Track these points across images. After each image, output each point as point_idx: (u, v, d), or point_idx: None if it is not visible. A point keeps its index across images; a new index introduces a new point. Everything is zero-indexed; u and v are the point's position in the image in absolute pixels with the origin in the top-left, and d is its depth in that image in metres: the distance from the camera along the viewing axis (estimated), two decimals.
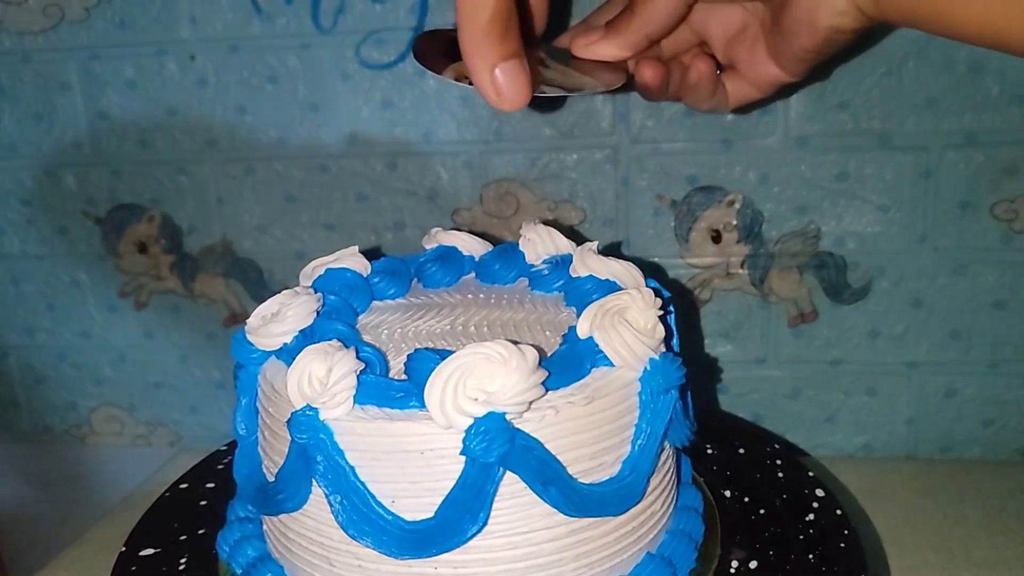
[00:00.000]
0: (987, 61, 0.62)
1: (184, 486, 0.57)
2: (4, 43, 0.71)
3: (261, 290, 0.74)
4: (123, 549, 0.50)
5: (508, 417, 0.38)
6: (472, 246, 0.56)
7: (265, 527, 0.47)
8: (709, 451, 0.57)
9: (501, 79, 0.38)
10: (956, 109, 0.63)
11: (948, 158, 0.64)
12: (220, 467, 0.58)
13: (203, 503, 0.54)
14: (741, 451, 0.58)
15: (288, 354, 0.43)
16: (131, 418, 0.80)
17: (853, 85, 0.64)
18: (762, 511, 0.51)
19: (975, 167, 0.64)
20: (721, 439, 0.58)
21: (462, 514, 0.38)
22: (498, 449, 0.37)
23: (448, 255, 0.54)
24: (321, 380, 0.39)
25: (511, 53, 0.38)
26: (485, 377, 0.37)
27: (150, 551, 0.50)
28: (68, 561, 0.63)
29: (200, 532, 0.51)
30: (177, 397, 0.79)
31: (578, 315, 0.46)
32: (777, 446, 0.58)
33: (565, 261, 0.52)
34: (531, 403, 0.38)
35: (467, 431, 0.37)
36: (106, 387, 0.80)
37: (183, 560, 0.49)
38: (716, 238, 0.68)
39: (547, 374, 0.39)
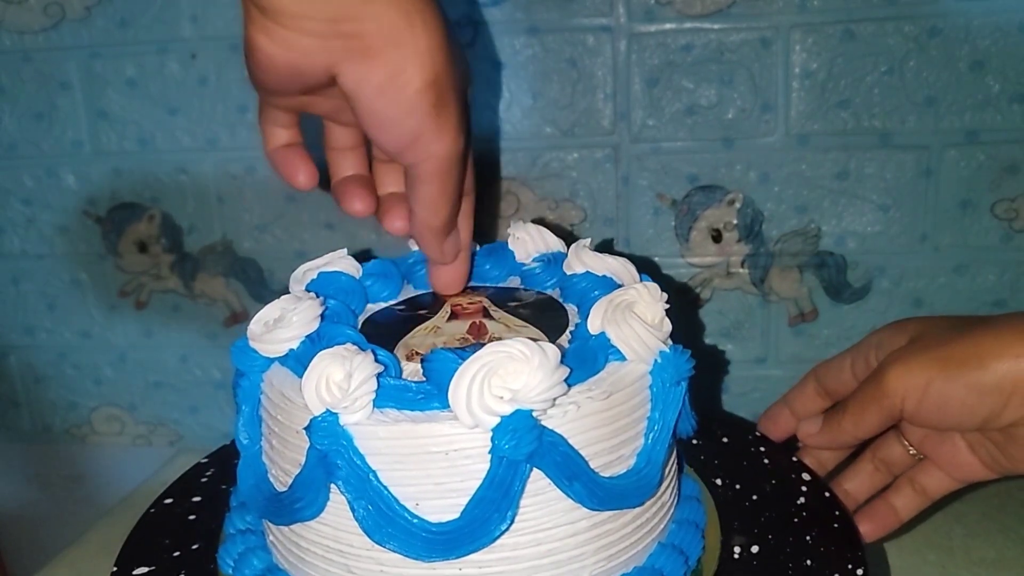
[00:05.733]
0: (988, 59, 0.62)
1: (168, 501, 0.55)
2: (4, 42, 0.71)
3: (261, 290, 0.74)
4: (114, 569, 0.49)
5: (534, 414, 0.38)
6: None
7: (271, 538, 0.46)
8: (695, 442, 0.57)
9: (446, 247, 0.48)
10: (957, 108, 0.63)
11: (949, 157, 0.64)
12: (204, 480, 0.57)
13: (192, 517, 0.53)
14: (725, 440, 0.58)
15: (295, 360, 0.43)
16: (131, 418, 0.80)
17: (854, 84, 0.64)
18: (755, 497, 0.52)
19: (976, 166, 0.64)
20: (704, 429, 0.59)
21: (490, 513, 0.38)
22: (527, 447, 0.37)
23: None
24: (340, 385, 0.38)
25: (450, 232, 0.48)
26: (509, 375, 0.37)
27: (143, 569, 0.48)
28: (68, 561, 0.63)
29: (194, 547, 0.50)
30: (177, 397, 0.79)
31: (580, 312, 0.46)
32: (758, 434, 0.59)
33: (556, 259, 0.52)
34: (554, 400, 0.38)
35: (495, 430, 0.37)
36: (106, 387, 0.80)
37: None
38: (716, 237, 0.68)
39: (569, 371, 0.39)
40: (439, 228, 0.46)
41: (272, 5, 0.36)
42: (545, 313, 0.48)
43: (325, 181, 0.50)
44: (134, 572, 0.48)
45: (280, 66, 0.39)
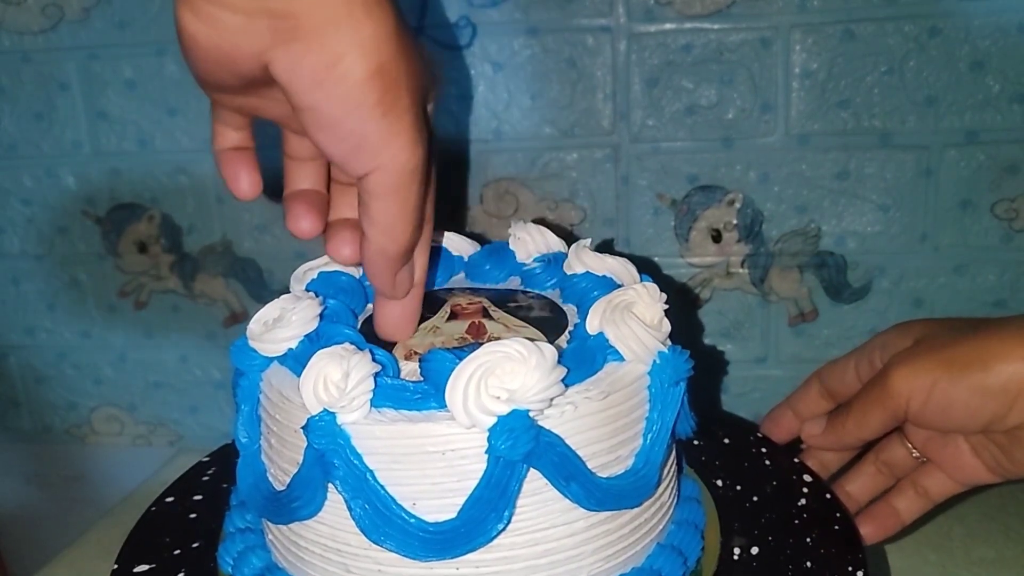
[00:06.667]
0: (988, 60, 0.62)
1: (170, 499, 0.55)
2: (4, 43, 0.71)
3: (261, 290, 0.74)
4: (115, 566, 0.49)
5: (531, 414, 0.38)
6: (461, 246, 0.55)
7: (270, 537, 0.46)
8: (696, 443, 0.57)
9: (399, 279, 0.42)
10: (957, 108, 0.63)
11: (949, 157, 0.64)
12: (205, 478, 0.57)
13: (193, 516, 0.53)
14: (726, 441, 0.58)
15: (294, 359, 0.43)
16: (131, 418, 0.80)
17: (854, 84, 0.63)
18: (755, 498, 0.52)
19: (976, 166, 0.64)
20: (705, 430, 0.59)
21: (487, 513, 0.38)
22: (524, 447, 0.37)
23: (437, 255, 0.54)
24: (337, 384, 0.38)
25: (406, 262, 0.42)
26: (506, 375, 0.37)
27: (144, 567, 0.48)
28: (68, 561, 0.63)
29: (194, 546, 0.50)
30: (177, 397, 0.79)
31: (579, 312, 0.46)
32: (760, 435, 0.59)
33: (557, 259, 0.52)
34: (551, 400, 0.38)
35: (491, 430, 0.37)
36: (106, 387, 0.80)
37: (180, 575, 0.48)
38: (716, 237, 0.68)
39: (566, 371, 0.39)
40: (395, 255, 0.40)
41: None
42: (545, 313, 0.48)
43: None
44: (135, 570, 0.48)
45: (206, 49, 0.35)
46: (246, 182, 0.43)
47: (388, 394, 0.39)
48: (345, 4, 0.34)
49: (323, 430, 0.39)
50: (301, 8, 0.33)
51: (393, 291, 0.42)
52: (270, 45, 0.34)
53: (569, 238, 0.53)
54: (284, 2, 0.33)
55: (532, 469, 0.38)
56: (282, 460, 0.43)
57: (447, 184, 0.69)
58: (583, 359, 0.41)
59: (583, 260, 0.50)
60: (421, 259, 0.43)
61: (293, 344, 0.44)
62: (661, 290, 0.45)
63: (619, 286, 0.47)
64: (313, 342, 0.43)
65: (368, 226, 0.39)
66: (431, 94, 0.41)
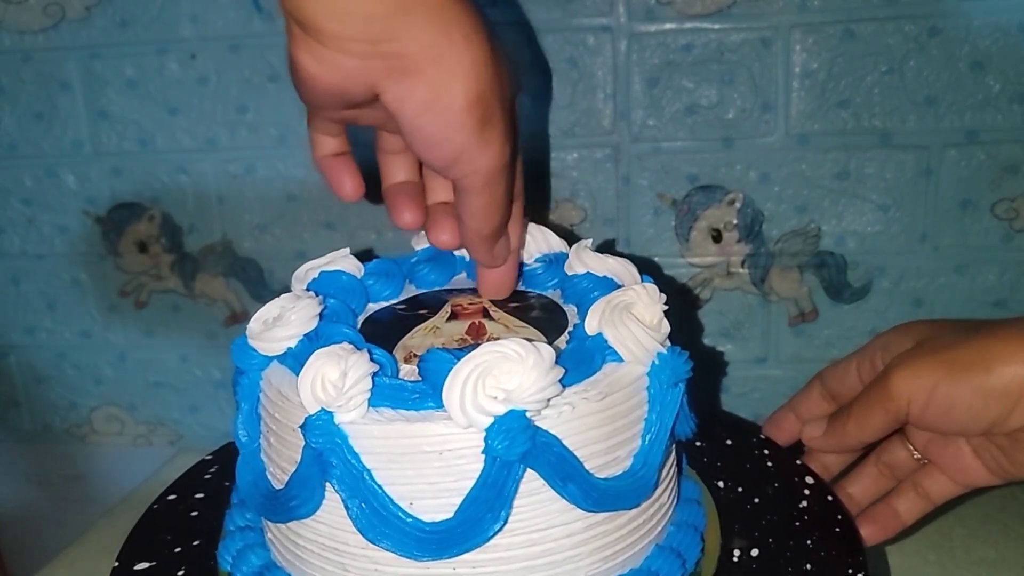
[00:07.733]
0: (988, 59, 0.62)
1: (172, 497, 0.55)
2: (4, 42, 0.71)
3: (261, 289, 0.74)
4: (116, 564, 0.49)
5: (528, 415, 0.38)
6: None
7: (269, 535, 0.46)
8: (698, 444, 0.57)
9: (497, 251, 0.47)
10: (957, 107, 0.63)
11: (949, 157, 0.64)
12: (207, 476, 0.57)
13: (194, 514, 0.53)
14: (728, 442, 0.58)
15: (293, 359, 0.43)
16: (131, 418, 0.80)
17: (854, 83, 0.63)
18: (756, 500, 0.51)
19: (976, 166, 0.64)
20: (707, 431, 0.59)
21: (483, 513, 0.38)
22: (520, 447, 0.37)
23: (439, 255, 0.54)
24: (335, 384, 0.38)
25: (500, 237, 0.47)
26: (503, 375, 0.37)
27: (145, 565, 0.48)
28: (68, 561, 0.63)
29: (195, 544, 0.50)
30: (177, 397, 0.79)
31: (579, 312, 0.46)
32: (762, 436, 0.59)
33: (558, 259, 0.52)
34: (549, 400, 0.38)
35: (488, 430, 0.37)
36: (106, 387, 0.80)
37: (180, 573, 0.48)
38: (717, 237, 0.68)
39: (564, 371, 0.39)
40: (489, 235, 0.45)
41: (313, 24, 0.37)
42: (545, 314, 0.48)
43: (372, 188, 0.50)
44: (135, 567, 0.48)
45: (324, 85, 0.39)
46: (349, 185, 0.47)
47: (386, 394, 0.39)
48: (447, 39, 0.38)
49: (321, 429, 0.39)
50: (410, 49, 0.38)
51: (493, 262, 0.47)
52: (382, 78, 0.38)
53: (570, 238, 0.53)
54: (396, 45, 0.38)
55: (529, 469, 0.38)
56: (281, 459, 0.43)
57: None
58: (581, 360, 0.41)
59: (584, 260, 0.50)
60: (515, 230, 0.48)
61: (292, 343, 0.44)
62: (661, 291, 0.45)
63: (620, 287, 0.47)
64: (312, 341, 0.43)
65: (464, 215, 0.44)
66: (517, 93, 0.44)
